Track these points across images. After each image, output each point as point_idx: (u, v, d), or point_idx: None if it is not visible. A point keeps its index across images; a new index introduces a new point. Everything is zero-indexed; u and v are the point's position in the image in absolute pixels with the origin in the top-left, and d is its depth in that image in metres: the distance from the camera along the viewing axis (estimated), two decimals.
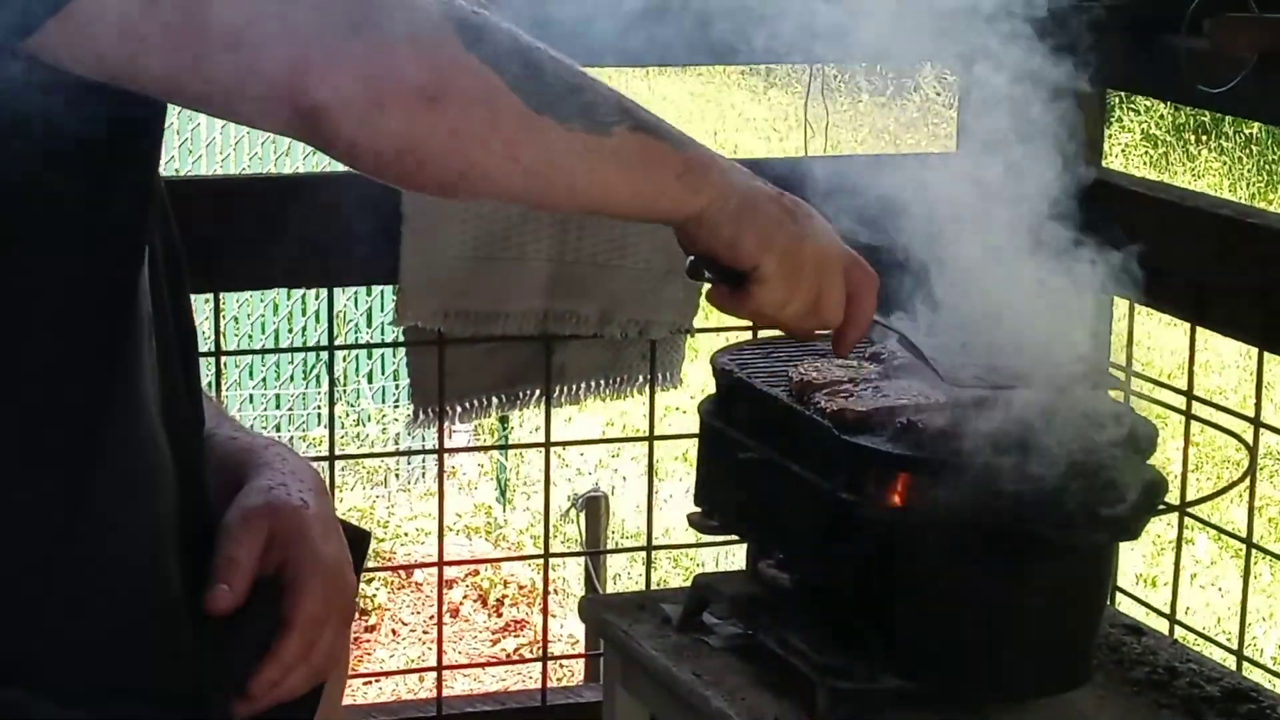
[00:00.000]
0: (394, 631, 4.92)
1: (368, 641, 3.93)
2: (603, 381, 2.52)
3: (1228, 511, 3.58)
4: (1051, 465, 1.72)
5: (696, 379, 2.55)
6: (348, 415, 5.55)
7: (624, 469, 3.98)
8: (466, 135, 1.26)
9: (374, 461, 5.55)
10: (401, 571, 4.98)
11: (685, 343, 2.60)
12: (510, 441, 4.95)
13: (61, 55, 1.20)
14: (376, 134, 1.22)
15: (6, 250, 1.28)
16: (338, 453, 2.65)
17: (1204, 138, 10.45)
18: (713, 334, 2.63)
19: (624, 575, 4.25)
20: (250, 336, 5.83)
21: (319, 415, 5.66)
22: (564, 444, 2.85)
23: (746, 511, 1.98)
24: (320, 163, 6.50)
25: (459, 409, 2.46)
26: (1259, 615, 2.84)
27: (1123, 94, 2.70)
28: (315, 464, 1.76)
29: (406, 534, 5.05)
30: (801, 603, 1.92)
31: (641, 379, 2.56)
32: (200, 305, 2.22)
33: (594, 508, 3.58)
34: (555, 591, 3.34)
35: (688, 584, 2.11)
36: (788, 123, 8.84)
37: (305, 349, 5.15)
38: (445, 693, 2.78)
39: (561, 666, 3.21)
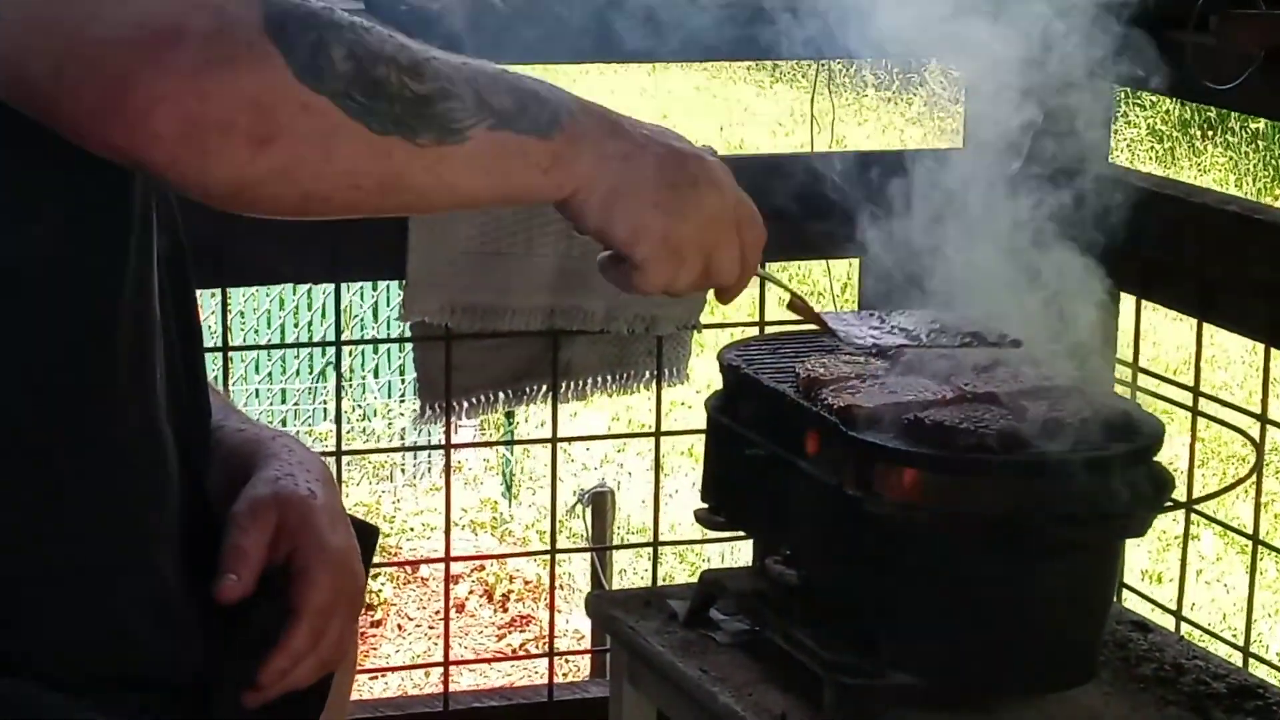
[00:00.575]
0: (400, 626, 4.91)
1: (374, 637, 3.94)
2: (609, 377, 2.52)
3: (1234, 508, 3.58)
4: (1058, 462, 1.72)
5: (703, 374, 2.56)
6: (354, 410, 5.54)
7: (630, 464, 3.97)
8: (301, 171, 1.23)
9: (379, 456, 5.55)
10: (407, 566, 4.96)
11: (692, 338, 2.61)
12: (516, 437, 4.91)
13: None
14: (203, 177, 1.20)
15: (46, 273, 1.29)
16: (344, 448, 2.62)
17: (1210, 133, 10.41)
18: (719, 329, 2.60)
19: (630, 570, 4.26)
20: (256, 331, 5.83)
21: (325, 410, 5.67)
22: (570, 439, 2.84)
23: (753, 507, 1.98)
24: None
25: (466, 404, 2.47)
26: (1265, 611, 2.86)
27: (1129, 90, 2.64)
28: (322, 458, 1.74)
29: (412, 529, 5.05)
30: (808, 599, 1.91)
31: (648, 374, 2.56)
32: (207, 300, 2.25)
33: (600, 503, 3.58)
34: (561, 587, 3.33)
35: (694, 580, 2.12)
36: (793, 118, 8.82)
37: (312, 344, 5.17)
38: (452, 688, 2.77)
39: (568, 662, 3.19)
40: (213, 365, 2.24)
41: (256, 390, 5.82)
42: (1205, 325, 2.60)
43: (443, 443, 2.62)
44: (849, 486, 1.75)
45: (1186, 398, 2.51)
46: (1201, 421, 2.48)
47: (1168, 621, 2.38)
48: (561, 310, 2.44)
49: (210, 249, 1.80)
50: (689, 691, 1.94)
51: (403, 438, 5.51)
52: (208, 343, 1.87)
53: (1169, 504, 1.87)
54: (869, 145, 7.85)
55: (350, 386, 4.92)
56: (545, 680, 2.70)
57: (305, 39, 1.18)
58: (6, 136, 1.25)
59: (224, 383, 2.24)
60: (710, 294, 1.86)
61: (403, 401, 5.52)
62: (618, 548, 3.87)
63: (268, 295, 5.76)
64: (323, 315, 5.64)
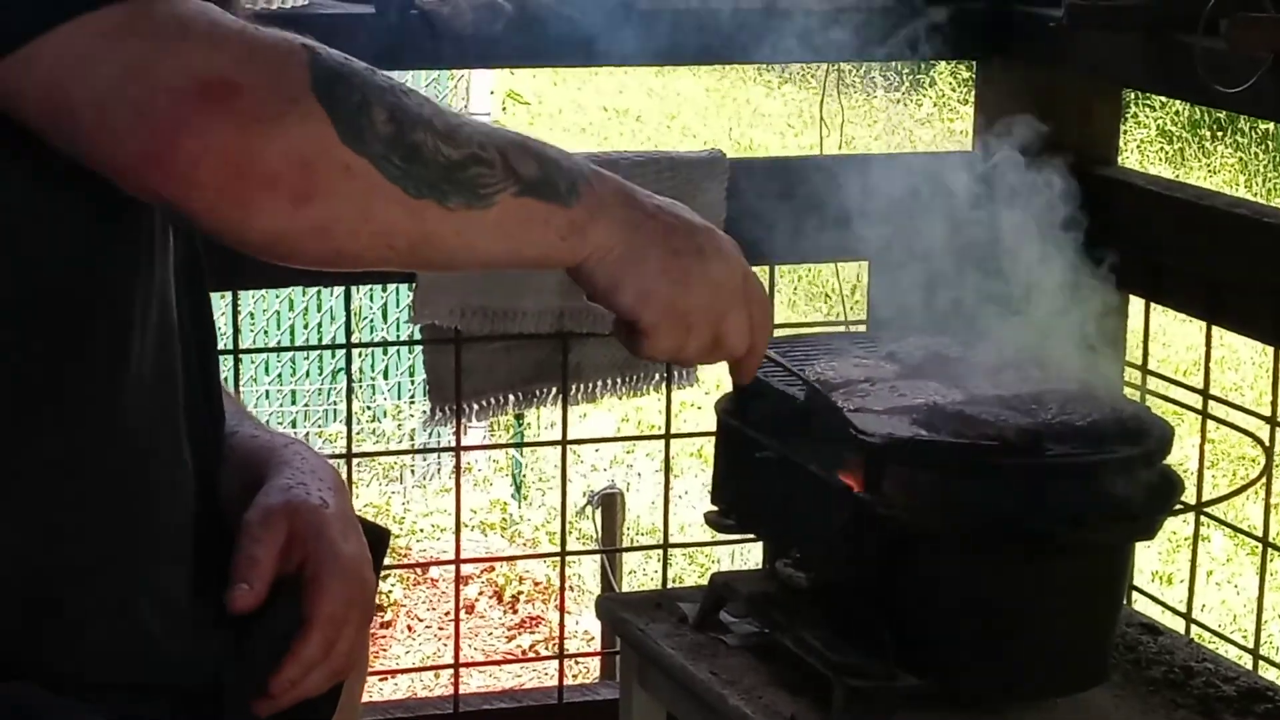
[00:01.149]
0: (409, 628, 4.91)
1: (383, 638, 3.95)
2: (619, 379, 2.52)
3: (1244, 510, 3.59)
4: (1068, 464, 1.74)
5: (712, 376, 2.50)
6: (364, 412, 5.56)
7: (639, 466, 3.95)
8: (338, 229, 1.27)
9: (389, 458, 5.56)
10: (417, 568, 4.97)
11: None
12: (525, 439, 4.90)
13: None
14: (242, 228, 1.23)
15: (59, 277, 1.31)
16: (355, 450, 2.62)
17: (1220, 134, 10.41)
18: None
19: (639, 572, 4.25)
20: (266, 333, 5.83)
21: (335, 411, 5.68)
22: (580, 441, 2.85)
23: (763, 510, 1.98)
24: None
25: (475, 407, 2.47)
26: (1275, 613, 2.85)
27: (1139, 91, 2.66)
28: (333, 461, 1.78)
29: (422, 530, 5.06)
30: (818, 601, 1.91)
31: (657, 377, 2.57)
32: (217, 303, 2.25)
33: (610, 505, 3.57)
34: (571, 588, 3.36)
35: (704, 582, 2.12)
36: (802, 119, 8.82)
37: (322, 346, 5.17)
38: (461, 690, 2.77)
39: (577, 664, 3.19)
40: (223, 367, 2.24)
41: (266, 391, 5.82)
42: (1214, 327, 2.57)
43: (453, 444, 2.63)
44: (859, 486, 1.75)
45: (1196, 400, 2.50)
46: (1211, 423, 2.43)
47: (1178, 624, 2.37)
48: (571, 313, 2.44)
49: (222, 252, 1.84)
50: (699, 694, 1.94)
51: (412, 439, 5.52)
52: (218, 344, 1.97)
53: (1179, 506, 1.85)
54: (878, 147, 7.86)
55: (360, 388, 4.92)
56: (555, 682, 2.69)
57: (350, 100, 1.22)
58: (31, 149, 1.26)
59: (234, 384, 2.26)
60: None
61: (412, 403, 5.54)
62: (627, 550, 3.83)
63: (277, 297, 5.73)
64: (332, 317, 5.63)
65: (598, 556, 3.71)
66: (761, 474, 1.92)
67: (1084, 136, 2.44)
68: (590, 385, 2.52)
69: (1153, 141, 10.18)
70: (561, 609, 2.84)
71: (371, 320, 5.84)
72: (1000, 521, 1.74)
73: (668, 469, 2.67)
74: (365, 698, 2.16)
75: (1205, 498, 2.40)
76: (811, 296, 4.95)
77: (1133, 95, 2.73)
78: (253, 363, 5.63)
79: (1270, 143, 10.95)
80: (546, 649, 4.41)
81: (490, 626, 4.92)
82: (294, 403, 5.90)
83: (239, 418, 1.65)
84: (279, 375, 5.98)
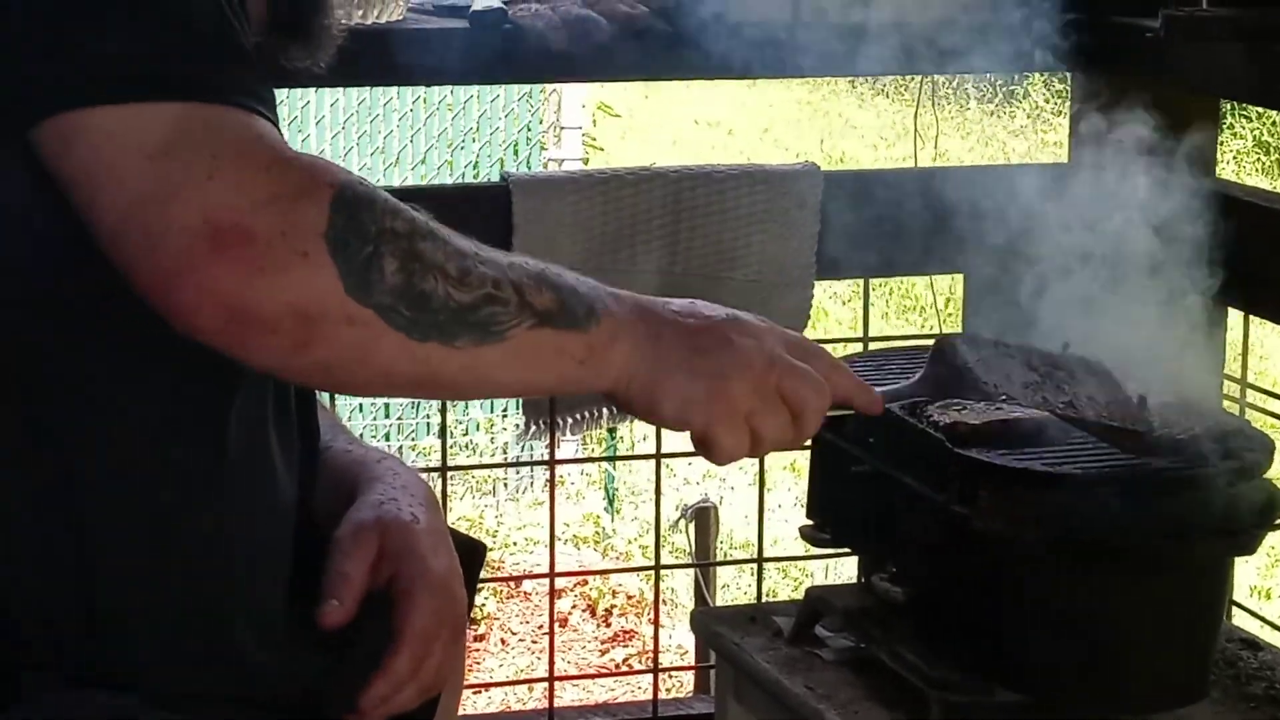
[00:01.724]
0: (503, 641, 4.93)
1: (477, 651, 4.00)
2: None
3: None
4: (1169, 479, 1.72)
5: None
6: (457, 425, 5.54)
7: (732, 479, 3.93)
8: (338, 370, 1.32)
9: (482, 471, 5.56)
10: (511, 581, 4.99)
11: None
12: (618, 452, 4.88)
13: None
14: (244, 358, 1.28)
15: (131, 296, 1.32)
16: (449, 463, 2.68)
17: None
18: (824, 345, 2.69)
19: (733, 586, 4.23)
20: None
21: (428, 424, 5.69)
22: (673, 455, 2.88)
23: (859, 524, 1.98)
24: (428, 175, 6.46)
25: (569, 420, 2.45)
26: None
27: (1236, 102, 2.68)
28: (427, 474, 1.91)
29: (515, 543, 5.09)
30: (914, 616, 1.91)
31: None
32: None
33: (703, 519, 3.58)
34: (664, 602, 3.40)
35: (797, 596, 2.16)
36: (895, 130, 8.67)
37: None
38: (556, 703, 2.78)
39: (671, 678, 3.22)
40: None
41: (360, 405, 5.79)
42: None
43: (546, 458, 2.65)
44: (955, 504, 1.73)
45: None
46: None
47: (1277, 639, 2.28)
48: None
49: None
50: (794, 708, 1.93)
51: (505, 451, 5.54)
52: None
53: (1279, 523, 1.81)
54: (972, 159, 7.70)
55: (453, 402, 4.88)
56: (649, 696, 2.69)
57: (362, 251, 1.26)
58: None
59: (330, 399, 2.31)
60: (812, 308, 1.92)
61: (505, 416, 5.52)
62: (721, 563, 3.85)
63: None
64: None
65: (691, 570, 3.71)
66: (856, 488, 1.91)
67: (1182, 148, 2.28)
68: None
69: (1250, 152, 10.19)
70: (656, 622, 2.82)
71: None
72: (1099, 536, 1.72)
73: (762, 482, 2.66)
74: (460, 711, 2.23)
75: None
76: (905, 309, 4.94)
77: (1230, 106, 2.69)
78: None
79: None
80: (640, 663, 4.39)
81: (584, 640, 4.91)
82: (387, 416, 5.91)
83: (334, 432, 1.69)
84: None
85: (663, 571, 3.16)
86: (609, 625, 4.97)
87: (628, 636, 4.90)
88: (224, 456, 1.44)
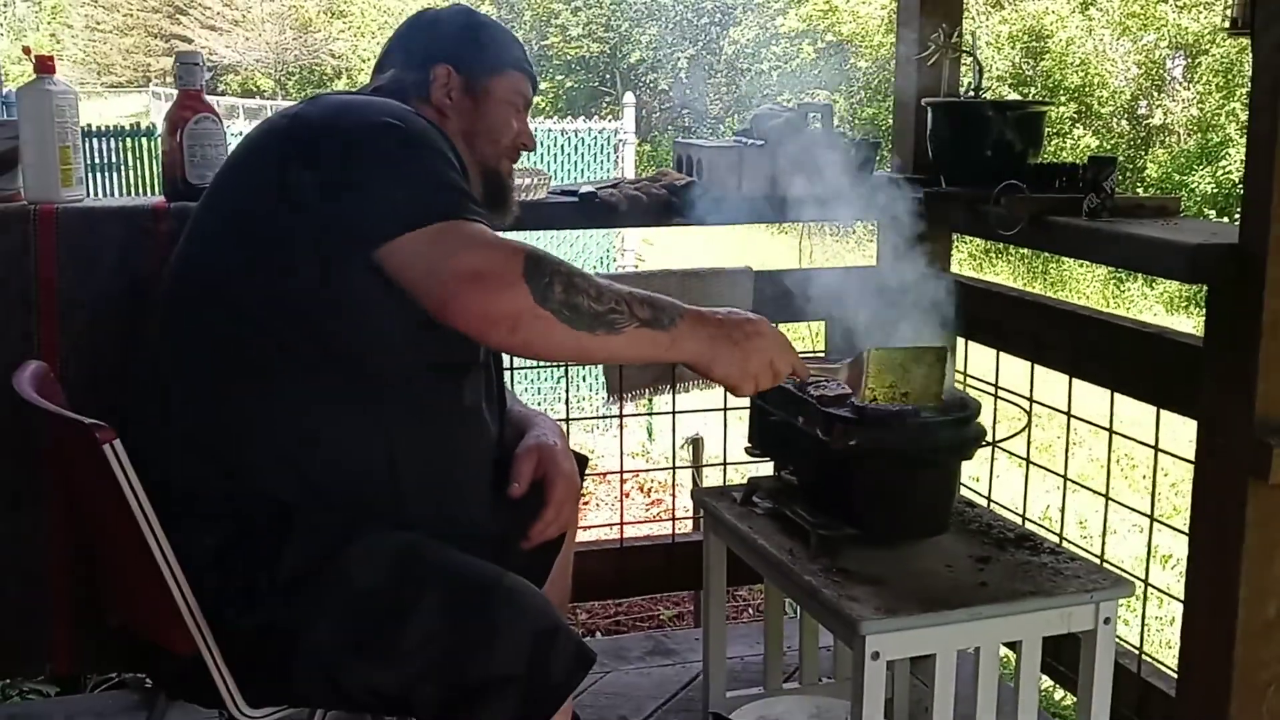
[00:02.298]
0: (597, 505, 6.33)
1: (583, 510, 4.17)
2: (701, 381, 2.99)
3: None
4: (925, 421, 2.23)
5: None
6: (575, 394, 6.97)
7: (712, 422, 3.90)
8: (533, 345, 1.80)
9: (587, 420, 6.69)
10: (602, 475, 6.12)
11: None
12: (654, 409, 5.74)
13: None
14: (488, 339, 1.80)
15: (432, 320, 1.85)
16: (571, 415, 3.19)
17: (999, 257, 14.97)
18: None
19: (712, 479, 4.22)
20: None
21: (559, 396, 7.29)
22: (683, 412, 3.31)
23: (775, 445, 2.49)
24: None
25: (630, 394, 3.21)
26: (1041, 488, 3.10)
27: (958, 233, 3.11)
28: (558, 421, 2.45)
29: (602, 455, 6.30)
30: (803, 492, 2.42)
31: None
32: None
33: (697, 444, 4.54)
34: (679, 485, 3.54)
35: (745, 482, 2.58)
36: (791, 249, 12.09)
37: (553, 366, 5.60)
38: (624, 535, 3.44)
39: (680, 523, 3.54)
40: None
41: (524, 390, 7.47)
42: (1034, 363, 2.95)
43: (618, 412, 3.25)
44: (822, 434, 2.24)
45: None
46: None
47: (981, 502, 2.87)
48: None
49: None
50: (743, 538, 2.43)
51: (596, 410, 6.83)
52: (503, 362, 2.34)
53: (985, 444, 2.29)
54: (830, 263, 9.06)
55: (572, 384, 5.57)
56: (669, 532, 3.51)
57: (543, 281, 1.76)
58: None
59: (511, 379, 2.64)
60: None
61: (596, 392, 7.10)
62: (706, 465, 4.22)
63: None
64: None
65: (690, 470, 4.43)
66: (773, 427, 2.43)
67: (932, 254, 2.96)
68: (688, 385, 3.23)
69: (969, 258, 15.19)
70: (674, 495, 3.98)
71: None
72: (894, 449, 2.23)
73: (725, 424, 3.31)
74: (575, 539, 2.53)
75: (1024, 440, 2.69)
76: (795, 339, 5.70)
77: (956, 235, 3.21)
78: (524, 377, 7.16)
79: (1019, 256, 16.05)
80: (666, 515, 5.05)
81: (636, 505, 6.29)
82: (539, 393, 7.66)
83: (511, 399, 2.33)
84: (525, 377, 7.48)
85: (678, 471, 3.69)
86: (649, 496, 6.45)
87: (659, 503, 6.30)
88: (460, 410, 2.07)
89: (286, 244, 1.83)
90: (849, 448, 2.18)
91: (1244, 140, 1.99)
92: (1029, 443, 2.75)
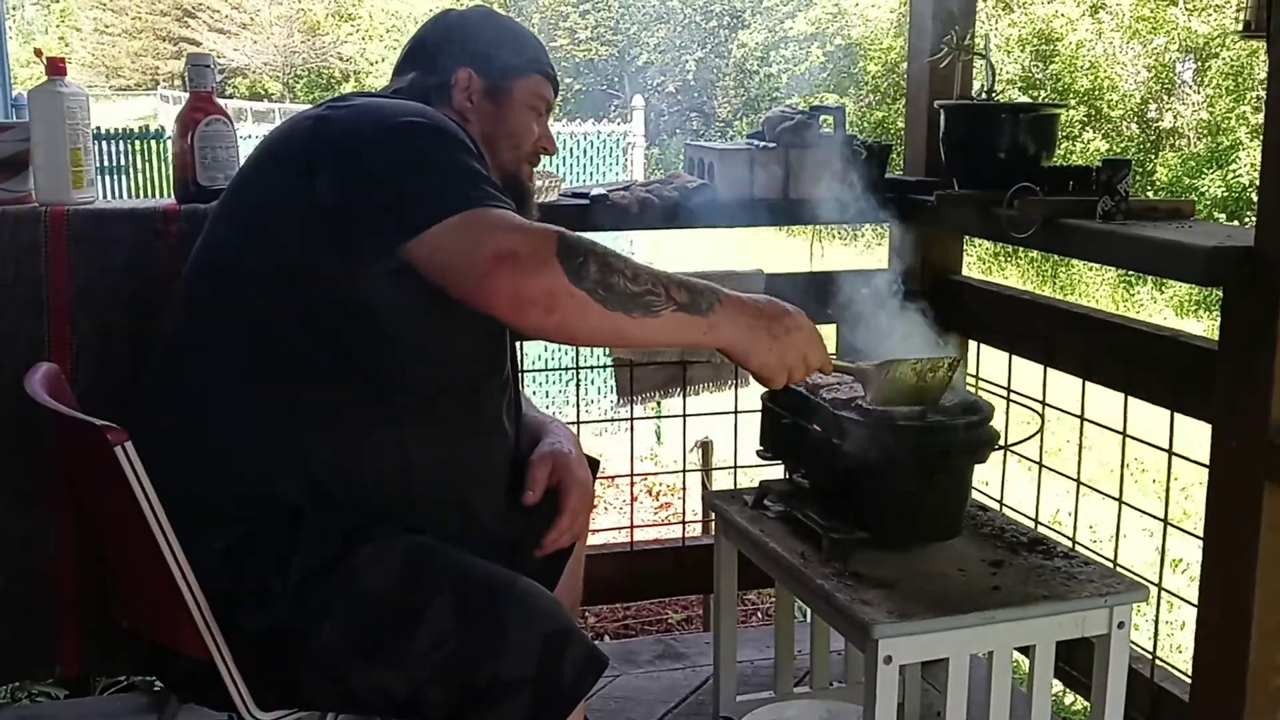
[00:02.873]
0: (605, 508, 6.37)
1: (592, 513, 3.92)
2: (712, 384, 3.23)
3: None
4: (939, 424, 2.19)
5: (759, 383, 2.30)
6: (584, 397, 6.87)
7: (723, 425, 4.00)
8: (569, 326, 1.74)
9: (597, 423, 6.89)
10: (611, 478, 5.79)
11: None
12: (663, 412, 5.82)
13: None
14: (523, 323, 1.73)
15: (457, 332, 1.94)
16: (581, 418, 3.12)
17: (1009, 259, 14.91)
18: None
19: (723, 481, 4.49)
20: (540, 358, 7.35)
21: (569, 399, 7.32)
22: (693, 415, 3.34)
23: (786, 448, 2.47)
24: None
25: (639, 397, 3.21)
26: (1054, 494, 3.08)
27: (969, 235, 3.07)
28: (570, 424, 2.50)
29: (611, 459, 5.85)
30: (814, 494, 2.41)
31: (731, 382, 3.27)
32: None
33: (707, 448, 4.57)
34: (687, 488, 3.56)
35: (756, 485, 2.58)
36: (802, 252, 12.00)
37: (564, 368, 6.11)
38: (634, 539, 3.40)
39: (690, 527, 3.53)
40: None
41: (534, 392, 7.42)
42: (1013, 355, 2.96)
43: (628, 416, 3.26)
44: (834, 438, 2.23)
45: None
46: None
47: (994, 505, 2.89)
48: (687, 352, 3.15)
49: None
50: (754, 540, 2.43)
51: (605, 413, 6.95)
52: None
53: (998, 449, 2.28)
54: (841, 266, 9.14)
55: (582, 388, 5.56)
56: (679, 535, 3.50)
57: (576, 260, 1.73)
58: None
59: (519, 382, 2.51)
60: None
61: (606, 395, 7.21)
62: (715, 469, 4.37)
63: (545, 348, 7.22)
64: (568, 352, 6.74)
65: (699, 472, 4.47)
66: (785, 430, 2.41)
67: (945, 259, 3.14)
68: (698, 387, 3.24)
69: (978, 261, 14.72)
70: (684, 498, 3.72)
71: (591, 350, 7.23)
72: (905, 454, 2.19)
73: (736, 428, 3.32)
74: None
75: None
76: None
77: (967, 238, 3.21)
78: (534, 380, 7.21)
79: (1029, 260, 16.34)
80: (675, 518, 5.39)
81: (647, 508, 6.26)
82: (548, 396, 7.72)
83: (528, 405, 2.32)
84: (537, 382, 7.57)
85: (688, 474, 3.71)
86: (658, 500, 6.41)
87: (668, 506, 6.28)
88: (479, 421, 2.07)
89: (312, 248, 1.83)
90: (860, 450, 2.19)
91: (1254, 144, 2.00)
92: (1041, 446, 2.75)
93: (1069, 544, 2.58)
